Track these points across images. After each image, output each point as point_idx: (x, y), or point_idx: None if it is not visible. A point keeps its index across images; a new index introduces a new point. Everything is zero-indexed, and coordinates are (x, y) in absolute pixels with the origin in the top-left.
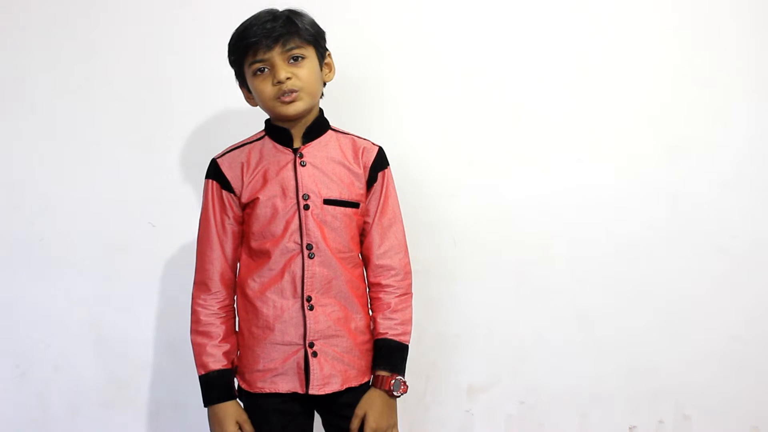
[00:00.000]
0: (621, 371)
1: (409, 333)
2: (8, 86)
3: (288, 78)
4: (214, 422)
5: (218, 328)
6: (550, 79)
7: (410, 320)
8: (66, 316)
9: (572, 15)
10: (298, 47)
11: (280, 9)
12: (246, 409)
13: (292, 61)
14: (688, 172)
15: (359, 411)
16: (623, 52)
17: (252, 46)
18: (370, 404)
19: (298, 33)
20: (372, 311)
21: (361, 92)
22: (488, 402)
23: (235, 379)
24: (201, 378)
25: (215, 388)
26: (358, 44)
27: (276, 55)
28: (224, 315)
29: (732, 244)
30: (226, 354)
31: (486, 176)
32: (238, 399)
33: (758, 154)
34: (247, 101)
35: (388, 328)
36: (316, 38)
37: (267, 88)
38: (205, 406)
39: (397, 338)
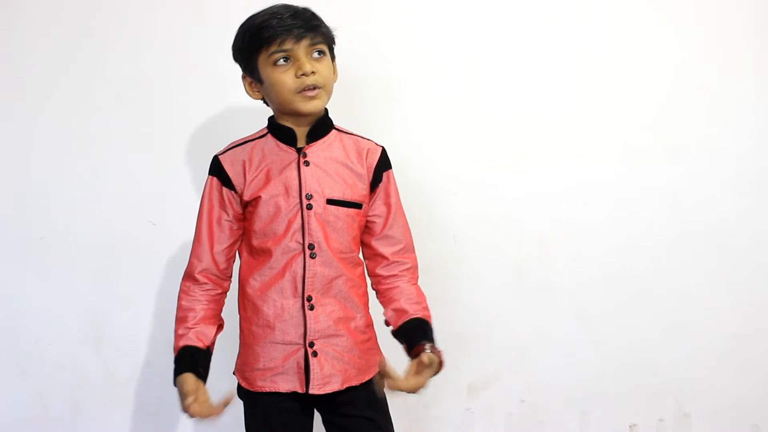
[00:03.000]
0: (621, 369)
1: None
2: (8, 85)
3: (313, 72)
4: (179, 396)
5: (196, 314)
6: (551, 78)
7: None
8: (66, 315)
9: (574, 15)
10: (321, 42)
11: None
12: (246, 407)
13: (316, 55)
14: (689, 171)
15: (425, 359)
16: (624, 51)
17: (278, 36)
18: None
19: (322, 30)
20: (391, 300)
21: (364, 91)
22: (488, 400)
23: (235, 377)
24: (174, 359)
25: (177, 362)
26: (360, 44)
27: (302, 47)
28: (206, 302)
29: (732, 243)
30: (198, 334)
31: (487, 174)
32: (203, 379)
33: (759, 153)
34: (248, 93)
35: (417, 311)
36: (331, 40)
37: (288, 80)
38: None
39: (426, 318)
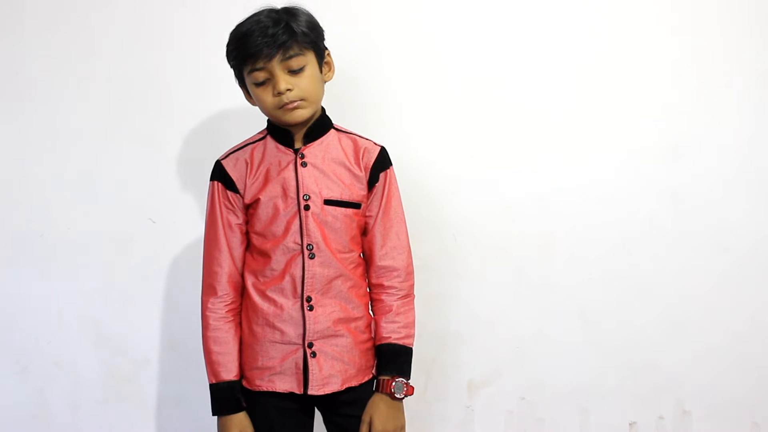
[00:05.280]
0: (621, 367)
1: (412, 336)
2: (9, 83)
3: (289, 89)
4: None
5: (227, 333)
6: (551, 76)
7: (413, 323)
8: (66, 313)
9: (573, 12)
10: (297, 54)
11: (278, 6)
12: (247, 406)
13: (292, 72)
14: (689, 170)
15: (365, 416)
16: (624, 49)
17: (252, 56)
18: (375, 409)
19: (297, 39)
20: (374, 313)
21: (362, 90)
22: (488, 398)
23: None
24: (211, 386)
25: (224, 400)
26: (358, 42)
27: (276, 64)
28: (232, 318)
29: (732, 242)
30: (236, 364)
31: (487, 173)
32: (245, 410)
33: (759, 152)
34: (248, 100)
35: (391, 332)
36: (315, 41)
37: (268, 98)
38: (213, 414)
39: (400, 342)
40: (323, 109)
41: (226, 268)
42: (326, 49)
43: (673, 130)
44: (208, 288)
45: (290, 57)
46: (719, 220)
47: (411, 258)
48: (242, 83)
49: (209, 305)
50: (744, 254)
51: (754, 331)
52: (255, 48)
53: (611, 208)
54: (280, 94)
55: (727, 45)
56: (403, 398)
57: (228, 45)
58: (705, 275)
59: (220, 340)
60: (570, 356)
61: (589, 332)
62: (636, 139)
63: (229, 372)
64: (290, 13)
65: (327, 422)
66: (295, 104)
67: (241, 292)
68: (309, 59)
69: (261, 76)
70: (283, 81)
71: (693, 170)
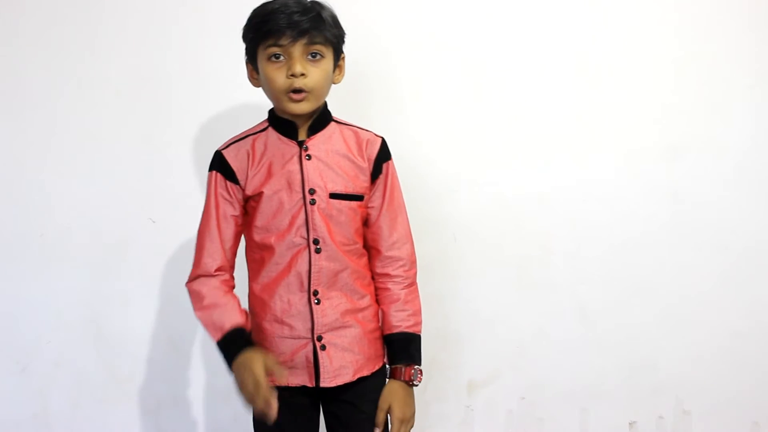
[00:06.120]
0: (621, 367)
1: (420, 323)
2: (8, 82)
3: (303, 74)
4: (241, 373)
5: (225, 297)
6: (552, 76)
7: (420, 311)
8: (66, 312)
9: (574, 12)
10: (320, 43)
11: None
12: None
13: (310, 57)
14: (689, 169)
15: (383, 404)
16: (624, 49)
17: (275, 33)
18: (393, 395)
19: (325, 31)
20: (380, 303)
21: (365, 87)
22: (488, 397)
23: None
24: (219, 343)
25: (236, 343)
26: (362, 39)
27: (298, 47)
28: (227, 288)
29: (732, 241)
30: (240, 314)
31: (487, 172)
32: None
33: (759, 151)
34: (250, 80)
35: (401, 321)
36: (337, 39)
37: (279, 78)
38: (229, 365)
39: (410, 330)
40: (325, 103)
41: (218, 260)
42: (343, 53)
43: (673, 130)
44: (197, 278)
45: (313, 43)
46: (719, 220)
47: (414, 247)
48: (251, 59)
49: (198, 280)
50: (744, 254)
51: (754, 331)
52: (282, 26)
53: (612, 207)
54: (293, 76)
55: (727, 45)
56: (417, 385)
57: (250, 19)
58: (705, 275)
59: (219, 302)
60: (570, 356)
61: (589, 331)
62: (636, 139)
63: (234, 319)
64: (320, 5)
65: (326, 413)
66: (302, 95)
67: (232, 273)
68: (328, 54)
69: (278, 53)
70: (300, 64)
71: (693, 170)
